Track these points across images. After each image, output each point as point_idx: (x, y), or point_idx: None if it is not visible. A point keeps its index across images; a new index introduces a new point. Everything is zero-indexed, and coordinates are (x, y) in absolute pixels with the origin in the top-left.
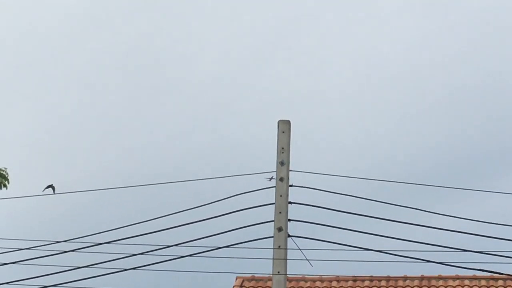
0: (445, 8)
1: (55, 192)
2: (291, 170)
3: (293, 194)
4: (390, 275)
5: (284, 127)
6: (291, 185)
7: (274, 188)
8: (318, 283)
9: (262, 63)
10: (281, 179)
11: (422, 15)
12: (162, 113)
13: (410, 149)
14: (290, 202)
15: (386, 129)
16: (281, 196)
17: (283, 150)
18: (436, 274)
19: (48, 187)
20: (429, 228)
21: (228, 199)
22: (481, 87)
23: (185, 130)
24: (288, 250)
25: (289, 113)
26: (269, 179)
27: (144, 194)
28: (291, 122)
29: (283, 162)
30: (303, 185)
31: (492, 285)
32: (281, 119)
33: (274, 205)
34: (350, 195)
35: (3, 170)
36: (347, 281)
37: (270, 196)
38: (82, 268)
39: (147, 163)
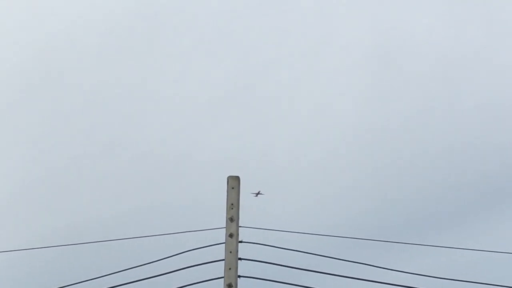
0: (397, 64)
1: None
2: (240, 226)
3: (243, 250)
4: None
5: (234, 183)
6: (241, 241)
7: (223, 245)
8: None
9: (212, 120)
10: (231, 235)
11: (375, 70)
12: (112, 169)
13: (362, 205)
14: (240, 258)
15: (336, 185)
16: (230, 252)
17: (233, 206)
18: None
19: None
20: (383, 284)
21: (178, 255)
22: (435, 145)
23: (134, 187)
24: None
25: (238, 169)
26: (255, 195)
27: (95, 251)
28: (240, 178)
29: (232, 218)
30: (253, 241)
31: None
32: (231, 175)
33: (223, 261)
34: (300, 251)
35: None
36: None
37: (219, 252)
38: None
39: (96, 220)
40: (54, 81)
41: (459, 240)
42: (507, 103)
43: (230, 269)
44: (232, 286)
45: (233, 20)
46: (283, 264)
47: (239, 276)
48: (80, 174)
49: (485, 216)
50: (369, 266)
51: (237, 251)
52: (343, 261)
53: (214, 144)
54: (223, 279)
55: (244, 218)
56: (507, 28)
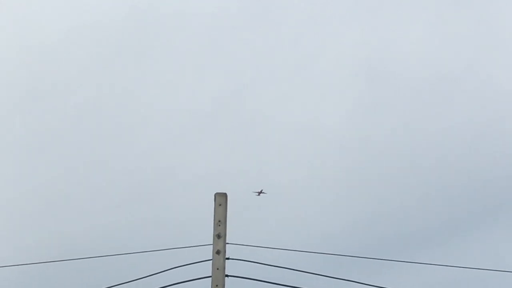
0: (386, 79)
1: None
2: (228, 243)
3: (230, 267)
4: None
5: (221, 200)
6: (227, 258)
7: (210, 261)
8: None
9: (200, 137)
10: (218, 252)
11: (363, 86)
12: (98, 185)
13: (349, 221)
14: (227, 275)
15: (324, 201)
16: (217, 269)
17: (220, 223)
18: None
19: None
20: None
21: (165, 272)
22: (423, 160)
23: (121, 203)
24: None
25: (225, 186)
26: (257, 193)
27: (81, 268)
28: (227, 195)
29: (219, 235)
30: (240, 258)
31: None
32: (218, 191)
33: (211, 278)
34: (287, 268)
35: None
36: None
37: (206, 269)
38: None
39: (83, 235)
40: (42, 97)
41: (447, 257)
42: (497, 117)
43: (217, 286)
44: None
45: (223, 35)
46: (270, 281)
47: None
48: (66, 191)
49: (474, 233)
50: (355, 283)
51: (224, 268)
52: (330, 278)
53: (202, 160)
54: None
55: (231, 235)
56: (496, 42)
